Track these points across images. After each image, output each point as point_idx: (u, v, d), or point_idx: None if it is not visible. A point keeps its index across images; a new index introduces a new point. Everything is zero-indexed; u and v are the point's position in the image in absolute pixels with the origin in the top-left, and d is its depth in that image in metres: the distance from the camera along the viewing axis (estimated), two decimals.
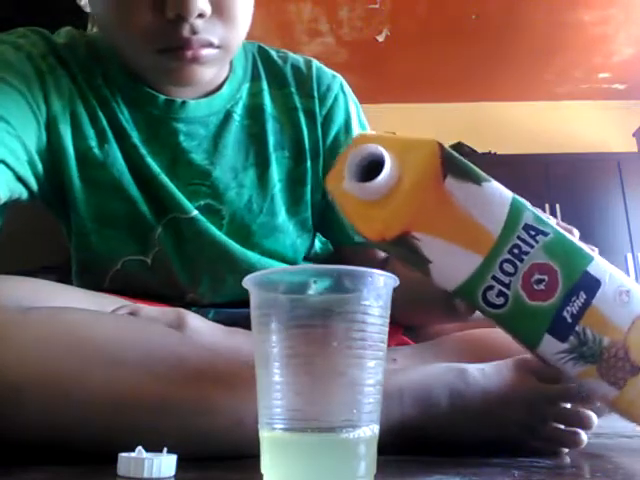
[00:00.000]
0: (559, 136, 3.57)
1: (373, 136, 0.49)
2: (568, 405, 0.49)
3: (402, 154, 0.42)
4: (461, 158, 0.42)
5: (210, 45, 0.59)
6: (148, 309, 0.57)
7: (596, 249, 0.47)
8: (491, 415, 0.48)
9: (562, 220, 0.49)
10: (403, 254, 0.43)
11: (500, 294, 0.43)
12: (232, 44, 0.62)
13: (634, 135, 3.34)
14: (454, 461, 0.45)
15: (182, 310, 0.60)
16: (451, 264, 0.43)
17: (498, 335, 0.62)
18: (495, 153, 3.37)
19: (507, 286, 0.43)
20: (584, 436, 0.48)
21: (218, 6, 0.58)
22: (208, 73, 0.62)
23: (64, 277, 0.74)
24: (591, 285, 0.44)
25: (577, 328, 0.43)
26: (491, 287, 0.43)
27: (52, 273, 0.89)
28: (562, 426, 0.49)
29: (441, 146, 0.42)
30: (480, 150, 3.35)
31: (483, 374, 0.50)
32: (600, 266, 0.44)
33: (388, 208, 0.42)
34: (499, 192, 0.43)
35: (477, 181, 0.42)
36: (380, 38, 3.10)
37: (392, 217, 0.42)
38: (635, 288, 0.45)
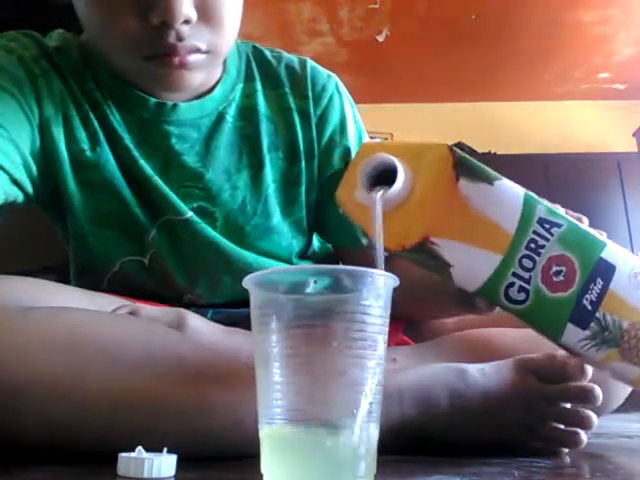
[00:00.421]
0: (559, 136, 3.57)
1: (379, 144, 0.49)
2: (568, 405, 0.49)
3: (413, 161, 0.42)
4: (472, 159, 0.42)
5: (197, 51, 0.59)
6: (148, 309, 0.57)
7: (605, 233, 0.47)
8: (491, 415, 0.48)
9: None
10: (423, 261, 0.43)
11: (521, 290, 0.43)
12: (220, 49, 0.62)
13: (634, 135, 3.34)
14: (454, 461, 0.45)
15: (182, 310, 0.60)
16: (471, 266, 0.43)
17: (498, 335, 0.63)
18: (495, 153, 3.37)
19: (527, 281, 0.43)
20: (584, 436, 0.48)
21: (204, 11, 0.57)
22: (197, 78, 0.62)
23: (64, 277, 0.74)
24: (607, 271, 0.44)
25: (597, 314, 0.44)
26: (512, 284, 0.43)
27: (52, 273, 0.89)
28: (562, 426, 0.49)
29: (451, 149, 0.42)
30: (480, 150, 3.35)
31: (483, 374, 0.50)
32: (613, 251, 0.45)
33: (404, 217, 0.42)
34: (511, 189, 0.43)
35: (489, 181, 0.42)
36: (380, 38, 3.10)
37: (409, 225, 0.42)
38: None
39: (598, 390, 0.48)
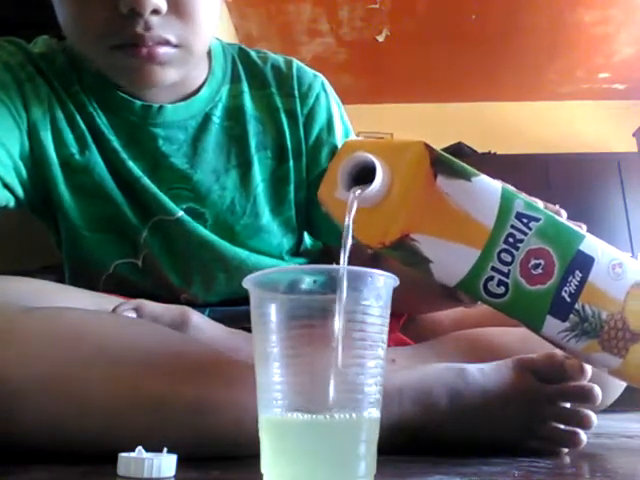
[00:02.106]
0: (559, 136, 3.57)
1: (360, 142, 0.50)
2: (567, 405, 0.49)
3: (392, 159, 0.43)
4: (449, 156, 0.43)
5: (167, 43, 0.58)
6: (152, 305, 0.57)
7: (584, 226, 0.47)
8: (490, 415, 0.48)
9: None
10: (403, 257, 0.44)
11: (500, 283, 0.43)
12: (193, 44, 0.61)
13: (634, 135, 3.34)
14: (454, 461, 0.45)
15: (186, 307, 0.60)
16: (451, 261, 0.43)
17: (498, 335, 0.63)
18: (495, 153, 3.36)
19: (506, 275, 0.43)
20: (583, 436, 0.48)
21: (175, 4, 0.57)
22: (171, 74, 0.61)
23: (64, 277, 0.75)
24: (585, 263, 0.45)
25: (576, 306, 0.44)
26: (491, 278, 0.43)
27: (52, 273, 0.89)
28: (562, 426, 0.49)
29: (428, 147, 0.42)
30: (480, 150, 3.35)
31: (482, 374, 0.50)
32: (592, 243, 0.45)
33: (384, 214, 0.42)
34: (489, 185, 0.44)
35: (467, 177, 0.43)
36: (380, 38, 3.10)
37: (389, 222, 0.42)
38: (626, 260, 0.47)
39: (598, 390, 0.48)
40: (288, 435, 0.32)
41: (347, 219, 0.38)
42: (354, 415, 0.32)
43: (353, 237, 0.43)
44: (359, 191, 0.41)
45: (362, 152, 0.43)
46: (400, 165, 0.42)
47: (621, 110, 3.62)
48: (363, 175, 0.42)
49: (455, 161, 0.43)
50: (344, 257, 0.36)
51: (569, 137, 3.57)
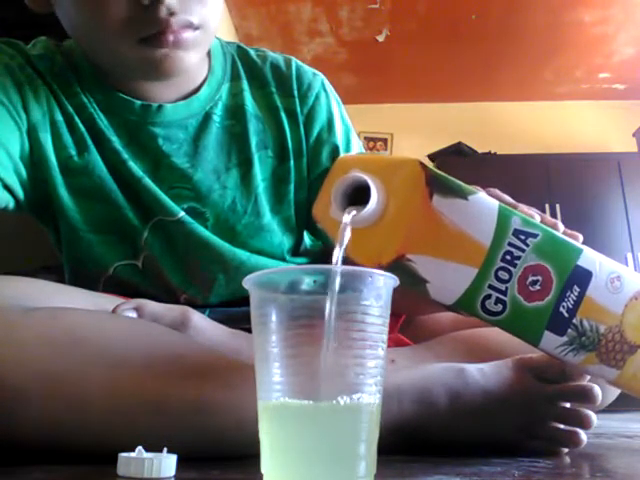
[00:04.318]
0: (559, 136, 3.57)
1: (354, 158, 0.49)
2: (567, 404, 0.49)
3: (386, 178, 0.42)
4: (444, 174, 0.42)
5: (190, 26, 0.59)
6: (153, 305, 0.57)
7: (581, 236, 0.47)
8: (490, 415, 0.48)
9: (562, 220, 0.49)
10: (399, 277, 0.44)
11: (498, 301, 0.43)
12: (210, 24, 0.62)
13: (634, 135, 3.34)
14: (454, 461, 0.45)
15: (186, 307, 0.60)
16: (448, 280, 0.43)
17: (498, 335, 0.63)
18: (495, 153, 3.37)
19: (504, 293, 0.43)
20: (584, 436, 0.48)
21: None
22: (192, 58, 0.62)
23: (64, 277, 0.74)
24: (583, 277, 0.44)
25: (574, 321, 0.44)
26: (489, 296, 0.43)
27: (52, 273, 0.89)
28: (561, 426, 0.49)
29: (423, 165, 0.42)
30: (480, 150, 3.35)
31: (482, 374, 0.50)
32: (589, 257, 0.45)
33: (379, 234, 0.42)
34: (485, 203, 0.43)
35: (463, 195, 0.42)
36: (380, 38, 3.10)
37: (385, 243, 0.42)
38: (625, 272, 0.46)
39: (597, 389, 0.48)
40: (287, 424, 0.32)
41: (338, 248, 0.38)
42: (355, 398, 0.32)
43: (349, 258, 0.43)
44: (353, 213, 0.41)
45: (356, 171, 0.42)
46: (395, 184, 0.42)
47: (621, 110, 3.62)
48: (357, 194, 0.42)
49: (451, 179, 0.43)
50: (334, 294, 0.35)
51: (569, 137, 3.57)
